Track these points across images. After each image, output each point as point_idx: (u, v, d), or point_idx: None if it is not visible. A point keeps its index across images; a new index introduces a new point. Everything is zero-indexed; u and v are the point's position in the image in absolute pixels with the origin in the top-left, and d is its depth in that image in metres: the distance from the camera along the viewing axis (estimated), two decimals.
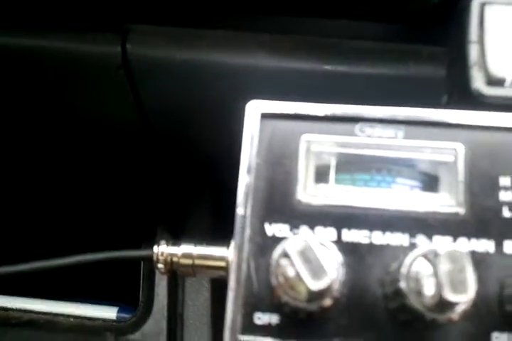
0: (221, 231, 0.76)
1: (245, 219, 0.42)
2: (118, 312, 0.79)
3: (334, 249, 0.39)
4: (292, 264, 0.36)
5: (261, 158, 0.44)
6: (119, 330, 0.74)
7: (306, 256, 0.36)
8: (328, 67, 0.55)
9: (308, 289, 0.35)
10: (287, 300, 0.38)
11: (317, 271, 0.35)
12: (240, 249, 0.42)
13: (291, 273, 0.36)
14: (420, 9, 0.53)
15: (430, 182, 0.43)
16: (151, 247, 0.73)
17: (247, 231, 0.42)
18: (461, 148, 0.42)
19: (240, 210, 0.43)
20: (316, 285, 0.35)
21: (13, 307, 0.78)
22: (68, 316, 0.76)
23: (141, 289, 0.76)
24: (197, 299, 0.73)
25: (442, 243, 0.40)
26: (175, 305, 0.73)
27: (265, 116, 0.44)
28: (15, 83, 0.63)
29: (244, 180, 0.43)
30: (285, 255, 0.37)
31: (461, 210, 0.41)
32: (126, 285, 0.78)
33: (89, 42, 0.58)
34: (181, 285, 0.74)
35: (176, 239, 0.75)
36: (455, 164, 0.42)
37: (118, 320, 0.77)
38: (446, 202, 0.41)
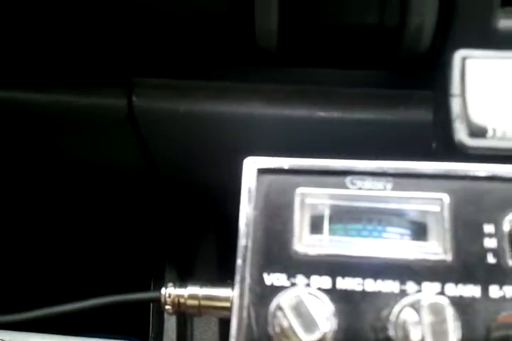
0: (228, 265, 0.79)
1: (245, 269, 0.45)
2: None
3: (327, 299, 0.41)
4: (286, 317, 0.38)
5: (258, 211, 0.46)
6: None
7: (299, 310, 0.38)
8: (322, 114, 0.58)
9: None
10: None
11: (309, 325, 0.38)
12: (241, 298, 0.44)
13: (285, 325, 0.39)
14: (407, 58, 0.55)
15: (419, 231, 0.45)
16: (160, 287, 0.76)
17: (247, 281, 0.45)
18: (446, 198, 0.45)
19: (239, 261, 0.45)
20: (308, 338, 0.38)
21: None
22: None
23: (150, 324, 0.78)
24: (205, 333, 0.76)
25: (431, 289, 0.42)
26: (184, 339, 0.75)
27: (262, 171, 0.47)
28: (20, 136, 0.66)
29: (243, 232, 0.46)
30: (280, 308, 0.39)
31: (448, 257, 0.43)
32: (135, 319, 0.80)
33: (97, 95, 0.61)
34: (190, 319, 0.77)
35: (184, 275, 0.79)
36: (441, 213, 0.44)
37: None
38: (434, 249, 0.44)
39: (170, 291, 0.54)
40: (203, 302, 0.53)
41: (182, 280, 0.56)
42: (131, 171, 0.69)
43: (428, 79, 0.57)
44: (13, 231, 0.85)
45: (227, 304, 0.51)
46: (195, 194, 0.73)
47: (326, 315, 0.39)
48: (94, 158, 0.67)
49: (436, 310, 0.37)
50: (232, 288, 0.51)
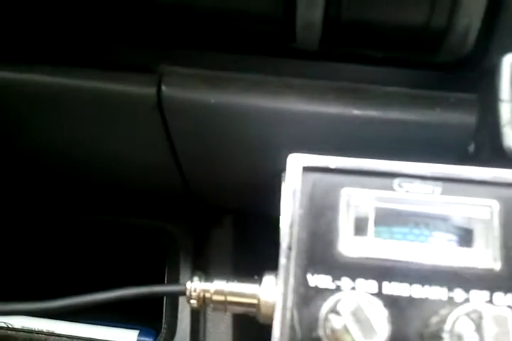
0: (243, 257, 0.79)
1: (289, 269, 0.44)
2: (139, 335, 0.80)
3: (380, 304, 0.40)
4: (342, 322, 0.38)
5: (303, 210, 0.45)
6: None
7: (358, 316, 0.38)
8: (357, 112, 0.57)
9: None
10: None
11: (368, 331, 0.37)
12: (284, 299, 0.44)
13: (340, 329, 0.38)
14: (448, 59, 0.54)
15: (466, 237, 0.45)
16: (175, 279, 0.76)
17: (291, 281, 0.44)
18: (496, 205, 0.44)
19: (283, 260, 0.45)
20: None
21: (37, 328, 0.79)
22: (91, 340, 0.78)
23: (164, 315, 0.77)
24: (219, 327, 0.75)
25: (479, 298, 0.42)
26: (197, 332, 0.75)
27: (307, 169, 0.46)
28: (43, 121, 0.64)
29: (287, 231, 0.45)
30: (335, 312, 0.38)
31: (497, 266, 0.43)
32: (148, 310, 0.79)
33: (125, 82, 0.59)
34: (203, 312, 0.76)
35: (198, 267, 0.78)
36: (491, 220, 0.44)
37: None
38: (482, 257, 0.43)
39: (195, 285, 0.53)
40: (230, 298, 0.52)
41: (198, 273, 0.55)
42: (154, 162, 0.67)
43: (467, 81, 0.57)
44: (22, 218, 0.83)
45: (254, 301, 0.51)
46: (214, 187, 0.72)
47: (382, 321, 0.39)
48: (117, 150, 0.66)
49: (500, 322, 0.36)
50: (260, 284, 0.50)
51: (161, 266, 0.80)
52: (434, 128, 0.57)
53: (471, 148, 0.55)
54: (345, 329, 0.38)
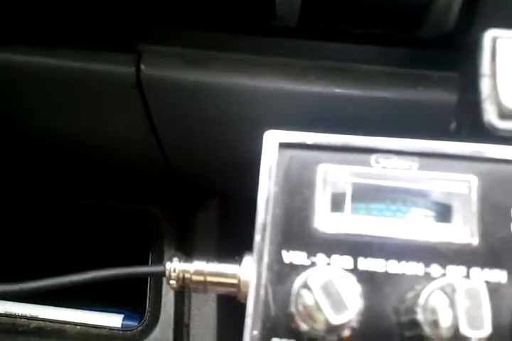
0: (228, 238, 0.78)
1: (263, 246, 0.44)
2: (123, 319, 0.80)
3: (353, 280, 0.40)
4: (313, 297, 0.37)
5: (279, 187, 0.45)
6: (126, 339, 0.75)
7: (328, 290, 0.37)
8: (338, 90, 0.56)
9: (328, 322, 0.37)
10: (306, 329, 0.39)
11: (338, 306, 0.37)
12: (258, 275, 0.43)
13: (311, 305, 0.37)
14: (430, 37, 0.54)
15: (444, 213, 0.44)
16: (159, 260, 0.75)
17: (265, 258, 0.43)
18: (474, 180, 0.44)
19: (257, 237, 0.44)
20: (336, 319, 0.36)
21: (20, 313, 0.78)
22: (75, 324, 0.77)
23: (148, 298, 0.77)
24: (203, 309, 0.75)
25: (456, 273, 0.41)
26: (181, 315, 0.74)
27: (283, 146, 0.45)
28: (20, 102, 0.63)
29: (262, 208, 0.44)
30: (306, 287, 0.38)
31: (475, 241, 0.42)
32: (131, 294, 0.78)
33: (103, 61, 0.58)
34: (188, 295, 0.76)
35: (183, 249, 0.77)
36: (469, 195, 0.43)
37: (123, 328, 0.78)
38: (460, 232, 0.43)
39: (175, 266, 0.52)
40: (209, 279, 0.51)
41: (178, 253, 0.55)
42: (135, 142, 0.66)
43: (450, 59, 0.56)
44: (10, 201, 0.82)
45: (234, 281, 0.50)
46: (196, 166, 0.72)
47: (354, 296, 0.38)
48: (96, 131, 0.65)
49: (472, 295, 0.36)
50: (240, 264, 0.50)
51: (146, 250, 0.80)
52: (416, 106, 0.56)
53: (453, 125, 0.54)
54: (316, 304, 0.37)
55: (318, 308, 0.37)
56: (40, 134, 0.68)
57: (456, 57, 0.55)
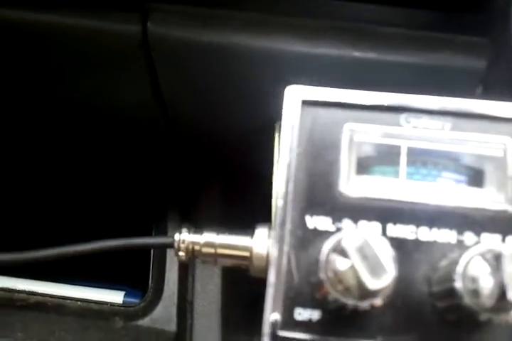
0: (232, 212, 0.76)
1: (285, 211, 0.41)
2: (125, 296, 0.77)
3: (387, 244, 0.37)
4: (347, 261, 0.34)
5: (302, 148, 0.42)
6: (128, 315, 0.72)
7: (364, 252, 0.34)
8: (357, 54, 0.53)
9: (365, 287, 0.34)
10: (335, 297, 0.36)
11: (376, 269, 0.34)
12: (280, 243, 0.40)
13: (345, 270, 0.35)
14: None
15: (476, 177, 0.41)
16: (162, 233, 0.72)
17: (288, 224, 0.41)
18: (510, 143, 0.41)
19: (279, 202, 0.41)
20: (375, 284, 0.34)
21: (19, 288, 0.75)
22: (76, 300, 0.75)
23: (150, 274, 0.74)
24: (207, 286, 0.72)
25: (491, 241, 0.39)
26: (185, 292, 0.72)
27: (306, 103, 0.42)
28: (22, 62, 0.60)
29: (284, 171, 0.42)
30: (339, 251, 0.35)
31: (510, 207, 0.40)
32: (134, 270, 0.76)
33: (108, 19, 0.55)
34: (192, 271, 0.73)
35: (186, 221, 0.75)
36: (504, 159, 0.41)
37: (125, 305, 0.75)
38: (494, 198, 0.40)
39: (184, 237, 0.49)
40: (220, 251, 0.48)
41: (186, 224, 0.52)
42: (139, 108, 0.63)
43: (479, 23, 0.53)
44: (13, 172, 0.79)
45: (246, 253, 0.47)
46: (204, 135, 0.68)
47: (391, 260, 0.35)
48: (98, 91, 0.62)
49: None
50: (252, 236, 0.47)
51: (149, 228, 0.77)
52: (440, 71, 0.53)
53: (478, 90, 0.51)
54: (351, 267, 0.34)
55: (354, 272, 0.34)
56: (44, 95, 0.65)
57: (485, 20, 0.52)
